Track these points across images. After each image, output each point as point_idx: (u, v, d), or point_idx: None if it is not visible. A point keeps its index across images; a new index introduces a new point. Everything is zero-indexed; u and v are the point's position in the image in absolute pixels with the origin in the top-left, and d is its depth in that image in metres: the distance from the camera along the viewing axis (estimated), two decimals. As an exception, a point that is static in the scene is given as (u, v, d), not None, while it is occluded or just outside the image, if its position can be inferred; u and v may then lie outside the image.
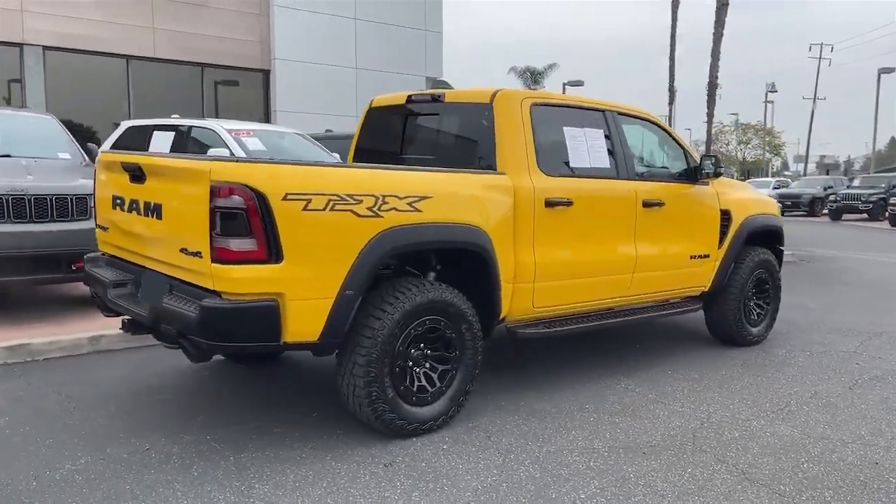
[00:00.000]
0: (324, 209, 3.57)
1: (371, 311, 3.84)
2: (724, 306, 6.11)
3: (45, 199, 5.77)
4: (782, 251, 6.68)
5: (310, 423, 4.21)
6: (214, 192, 3.37)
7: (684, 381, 5.24)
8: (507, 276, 4.45)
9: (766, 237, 6.43)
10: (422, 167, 4.43)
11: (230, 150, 8.50)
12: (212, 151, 8.55)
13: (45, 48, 14.91)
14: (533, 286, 4.63)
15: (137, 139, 9.80)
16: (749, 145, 64.75)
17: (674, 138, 5.78)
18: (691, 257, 5.71)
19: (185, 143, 9.18)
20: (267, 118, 17.72)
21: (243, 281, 3.44)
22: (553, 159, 4.85)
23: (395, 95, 5.37)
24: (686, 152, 5.79)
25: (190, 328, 3.48)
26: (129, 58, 15.87)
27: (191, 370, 5.18)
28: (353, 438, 3.99)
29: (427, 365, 4.12)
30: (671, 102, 54.80)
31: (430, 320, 4.03)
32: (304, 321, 3.60)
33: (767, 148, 64.07)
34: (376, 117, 5.51)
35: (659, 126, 5.75)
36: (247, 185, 3.39)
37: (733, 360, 5.86)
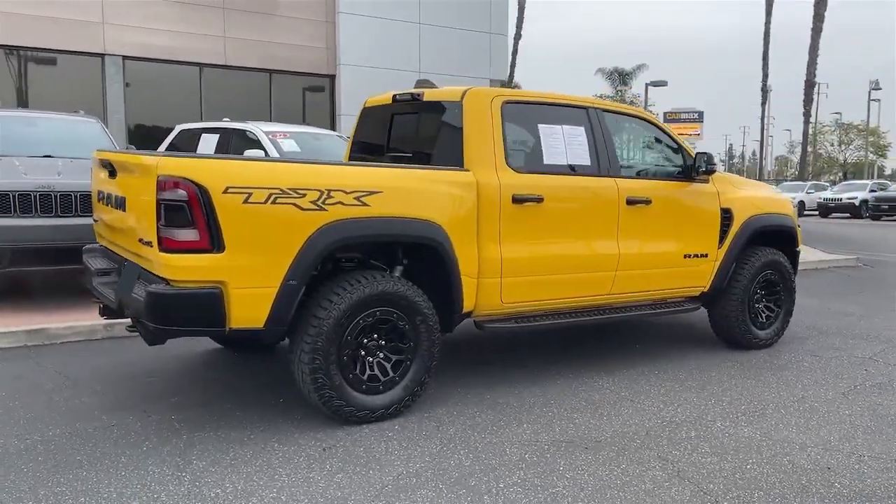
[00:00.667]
0: (265, 202, 3.76)
1: (320, 301, 4.01)
2: (725, 308, 5.95)
3: (70, 195, 6.24)
4: (797, 253, 6.43)
5: (273, 408, 4.41)
6: (160, 185, 3.62)
7: (667, 382, 5.16)
8: (470, 271, 4.52)
9: (775, 237, 6.22)
10: (377, 163, 4.58)
11: (266, 150, 8.88)
12: (248, 152, 8.97)
13: (125, 58, 15.86)
14: (500, 281, 4.68)
15: (188, 141, 10.38)
16: (851, 146, 61.59)
17: (670, 136, 5.68)
18: (685, 256, 5.60)
19: (229, 144, 9.64)
20: (332, 122, 18.24)
21: (187, 269, 3.67)
22: (524, 156, 4.90)
23: (383, 95, 5.53)
24: (683, 151, 5.68)
25: (140, 312, 3.74)
26: (201, 65, 16.69)
27: (189, 356, 5.50)
28: (307, 423, 4.16)
29: (381, 355, 4.25)
30: (764, 102, 52.72)
31: (381, 312, 4.15)
32: (248, 308, 3.80)
33: (871, 149, 60.69)
34: (369, 116, 5.69)
35: (654, 124, 5.67)
36: (189, 179, 3.61)
37: (731, 363, 5.70)
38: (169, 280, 3.69)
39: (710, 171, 5.56)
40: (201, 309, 3.71)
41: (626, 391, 4.91)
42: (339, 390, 4.03)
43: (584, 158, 5.12)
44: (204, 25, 16.61)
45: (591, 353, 5.90)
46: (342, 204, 3.96)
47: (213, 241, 3.67)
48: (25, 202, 6.11)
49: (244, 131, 9.51)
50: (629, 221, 5.24)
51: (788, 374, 5.41)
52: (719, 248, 5.79)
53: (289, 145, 9.13)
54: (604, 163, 5.18)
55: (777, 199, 6.34)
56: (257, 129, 9.36)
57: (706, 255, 5.73)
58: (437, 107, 5.02)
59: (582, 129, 5.16)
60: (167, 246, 3.65)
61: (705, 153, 5.57)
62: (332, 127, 17.54)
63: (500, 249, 4.64)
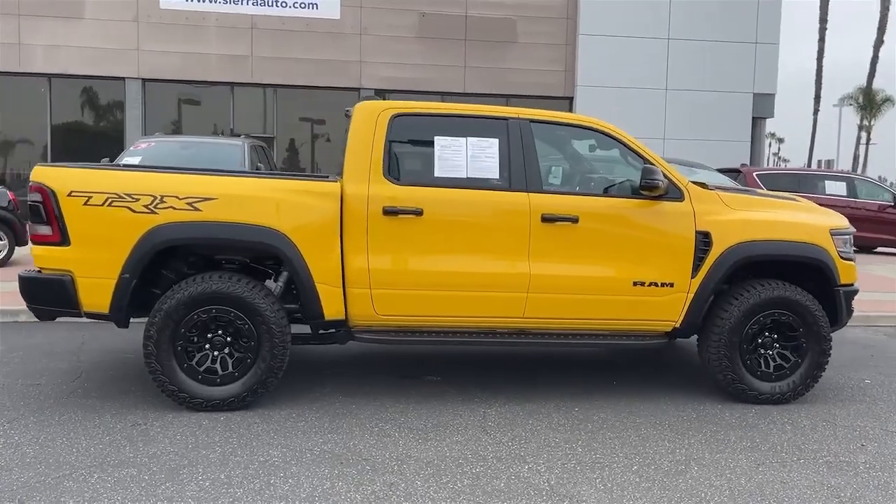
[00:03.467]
0: (102, 205, 4.39)
1: (161, 296, 4.52)
2: (707, 350, 5.03)
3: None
4: (837, 292, 5.09)
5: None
6: (29, 189, 4.48)
7: (563, 421, 4.57)
8: (327, 280, 4.61)
9: (799, 271, 5.07)
10: (218, 171, 4.97)
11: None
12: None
13: (377, 90, 17.86)
14: (370, 292, 4.69)
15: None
16: None
17: (634, 151, 5.02)
18: (635, 284, 4.89)
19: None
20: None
21: (45, 258, 4.47)
22: (410, 168, 4.83)
23: (352, 110, 5.82)
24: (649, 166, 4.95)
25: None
26: (443, 94, 18.03)
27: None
28: (158, 405, 4.60)
29: (226, 350, 4.58)
30: None
31: (217, 310, 4.49)
32: (93, 296, 4.46)
33: None
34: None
35: (611, 137, 5.04)
36: (43, 184, 4.40)
37: (692, 413, 4.80)
38: (40, 268, 4.52)
39: (651, 188, 4.77)
40: (55, 292, 4.46)
41: (495, 423, 4.51)
42: (171, 377, 4.47)
43: (491, 172, 4.84)
44: (447, 58, 17.99)
45: (533, 384, 5.41)
46: (173, 209, 4.42)
47: (63, 237, 4.41)
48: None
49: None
50: (546, 240, 4.80)
51: (733, 435, 4.43)
52: (693, 277, 4.94)
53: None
54: (517, 177, 4.82)
55: (798, 224, 5.09)
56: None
57: (671, 285, 4.92)
58: (351, 121, 5.17)
59: (496, 141, 4.88)
60: (33, 239, 4.49)
61: (648, 168, 4.80)
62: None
63: (367, 260, 4.65)
